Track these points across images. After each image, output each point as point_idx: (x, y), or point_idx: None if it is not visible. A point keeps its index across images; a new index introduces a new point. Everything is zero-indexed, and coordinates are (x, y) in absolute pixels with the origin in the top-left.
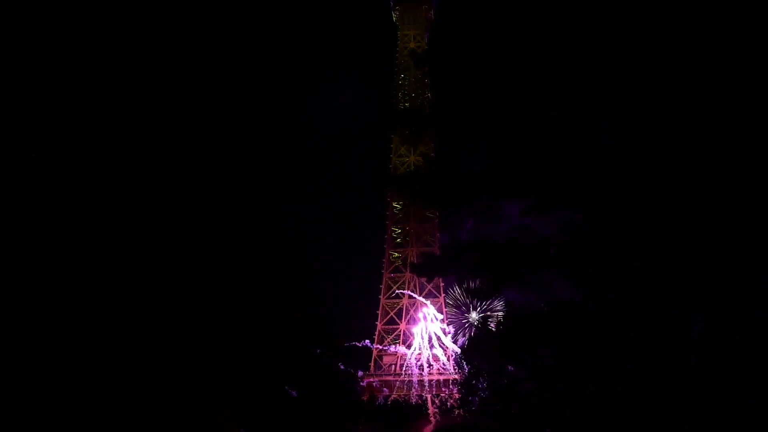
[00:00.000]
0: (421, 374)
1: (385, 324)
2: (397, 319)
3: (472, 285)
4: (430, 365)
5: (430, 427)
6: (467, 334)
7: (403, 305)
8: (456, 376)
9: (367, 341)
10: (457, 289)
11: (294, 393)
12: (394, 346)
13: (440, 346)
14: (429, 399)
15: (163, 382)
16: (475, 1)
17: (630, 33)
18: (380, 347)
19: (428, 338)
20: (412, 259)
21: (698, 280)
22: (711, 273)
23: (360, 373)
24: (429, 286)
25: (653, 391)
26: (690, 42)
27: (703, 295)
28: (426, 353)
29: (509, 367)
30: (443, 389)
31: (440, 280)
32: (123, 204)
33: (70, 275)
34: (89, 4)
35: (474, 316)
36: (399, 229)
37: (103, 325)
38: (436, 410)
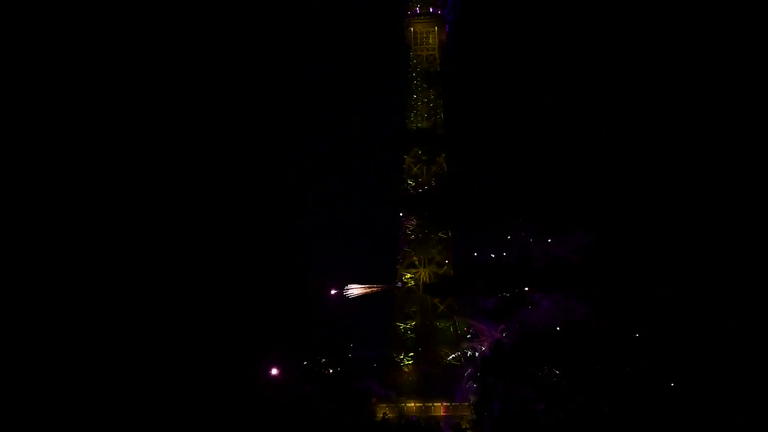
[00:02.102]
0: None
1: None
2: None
3: (485, 306)
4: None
5: None
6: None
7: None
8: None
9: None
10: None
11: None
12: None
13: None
14: (442, 421)
15: (175, 390)
16: (488, 22)
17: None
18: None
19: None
20: (424, 279)
21: (712, 300)
22: (725, 294)
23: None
24: (441, 308)
25: (668, 413)
26: (696, 50)
27: (716, 315)
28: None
29: (523, 388)
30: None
31: (454, 300)
32: (129, 210)
33: (81, 284)
34: (89, 3)
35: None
36: (411, 249)
37: (115, 335)
38: None
